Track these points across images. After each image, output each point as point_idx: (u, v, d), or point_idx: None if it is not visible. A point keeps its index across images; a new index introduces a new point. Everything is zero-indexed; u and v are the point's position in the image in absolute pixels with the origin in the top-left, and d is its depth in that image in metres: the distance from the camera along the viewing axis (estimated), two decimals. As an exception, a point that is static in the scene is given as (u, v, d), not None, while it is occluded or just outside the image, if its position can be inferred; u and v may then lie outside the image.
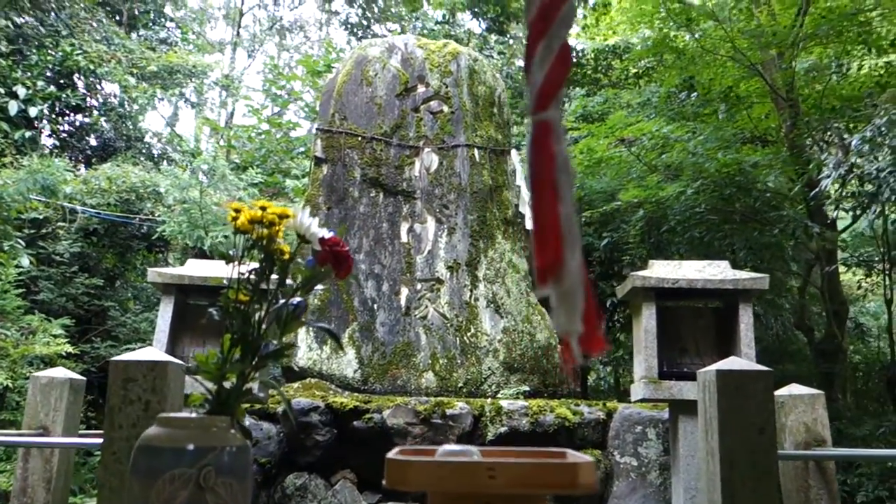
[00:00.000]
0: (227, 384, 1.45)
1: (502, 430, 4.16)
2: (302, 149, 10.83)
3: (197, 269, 3.98)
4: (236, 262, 1.48)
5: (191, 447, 1.25)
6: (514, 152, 6.21)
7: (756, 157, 7.05)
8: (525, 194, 6.04)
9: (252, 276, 1.49)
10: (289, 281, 1.52)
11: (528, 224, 5.97)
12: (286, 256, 1.56)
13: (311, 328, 4.75)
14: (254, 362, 1.46)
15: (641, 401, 3.68)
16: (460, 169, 5.68)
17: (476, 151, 5.77)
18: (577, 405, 4.36)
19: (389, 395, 4.75)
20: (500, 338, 5.32)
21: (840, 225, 7.50)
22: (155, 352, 2.91)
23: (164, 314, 3.90)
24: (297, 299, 1.54)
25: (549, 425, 4.17)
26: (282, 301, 1.52)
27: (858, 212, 6.62)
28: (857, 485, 6.32)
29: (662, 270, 3.77)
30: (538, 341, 5.43)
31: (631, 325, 8.49)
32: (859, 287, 7.59)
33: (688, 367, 3.74)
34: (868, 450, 4.44)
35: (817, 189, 6.44)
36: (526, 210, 6.00)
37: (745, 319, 3.67)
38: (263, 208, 1.49)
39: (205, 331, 3.95)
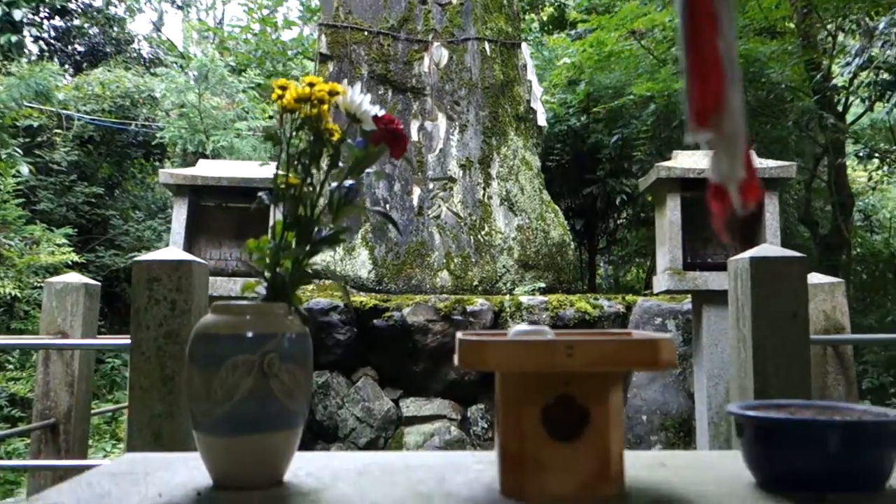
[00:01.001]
0: (280, 270, 1.38)
1: (523, 325, 4.16)
2: (299, 50, 10.51)
3: (210, 169, 3.87)
4: (284, 144, 1.39)
5: (251, 334, 1.19)
6: (524, 45, 6.00)
7: (768, 47, 6.84)
8: (537, 89, 5.86)
9: (302, 159, 1.40)
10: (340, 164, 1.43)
11: (541, 120, 5.82)
12: (336, 137, 1.46)
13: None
14: (308, 248, 1.39)
15: (665, 292, 3.66)
16: (471, 63, 5.50)
17: (486, 45, 5.57)
18: (597, 299, 4.35)
19: (405, 294, 4.73)
20: (514, 236, 5.28)
21: (848, 118, 7.36)
22: (177, 251, 2.85)
23: (179, 216, 3.82)
24: (349, 182, 1.46)
25: (569, 319, 4.17)
26: (334, 184, 1.44)
27: (872, 101, 6.48)
28: (862, 372, 6.43)
29: (687, 161, 3.69)
30: (552, 238, 5.38)
31: (639, 222, 8.45)
32: (870, 179, 7.52)
33: (712, 257, 3.71)
34: (888, 334, 4.46)
35: (832, 79, 6.28)
36: (538, 105, 5.84)
37: (771, 209, 3.61)
38: (311, 84, 1.38)
39: (220, 232, 3.89)
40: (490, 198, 5.31)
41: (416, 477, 1.22)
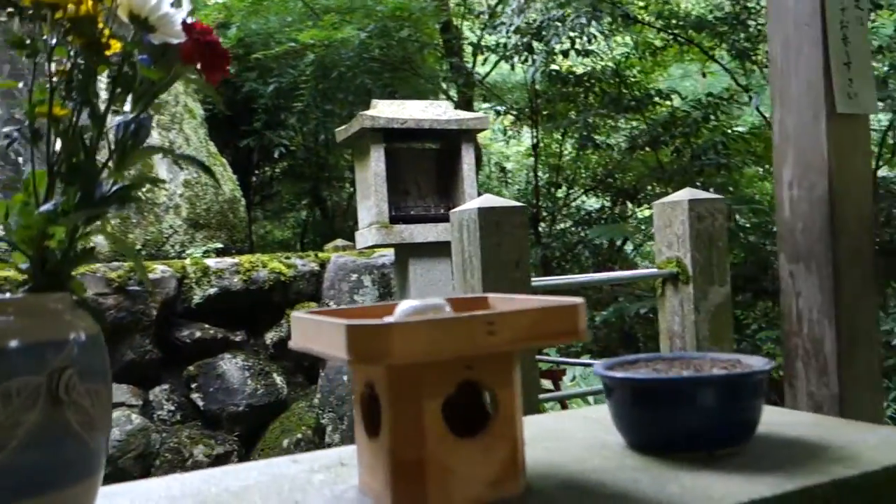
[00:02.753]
0: (52, 245, 0.94)
1: (212, 291, 3.72)
2: None
3: None
4: (46, 58, 0.94)
5: (26, 344, 0.76)
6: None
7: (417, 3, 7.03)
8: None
9: (70, 79, 0.97)
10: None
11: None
12: (114, 49, 1.02)
13: None
14: (88, 210, 0.97)
15: (372, 247, 3.53)
16: None
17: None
18: (289, 258, 4.07)
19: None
20: (181, 192, 4.71)
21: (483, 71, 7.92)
22: None
23: None
24: (142, 115, 1.05)
25: (263, 281, 3.83)
26: (118, 119, 1.02)
27: (500, 60, 7.02)
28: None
29: (388, 110, 3.56)
30: (223, 194, 4.93)
31: (294, 176, 8.22)
32: (505, 132, 8.20)
33: (414, 209, 3.66)
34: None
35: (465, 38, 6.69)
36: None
37: (468, 160, 3.66)
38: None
39: None
40: (151, 149, 4.66)
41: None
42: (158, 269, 3.64)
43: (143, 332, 3.58)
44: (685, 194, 3.13)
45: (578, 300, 1.03)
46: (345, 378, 3.95)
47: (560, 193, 7.86)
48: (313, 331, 1.06)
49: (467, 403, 1.01)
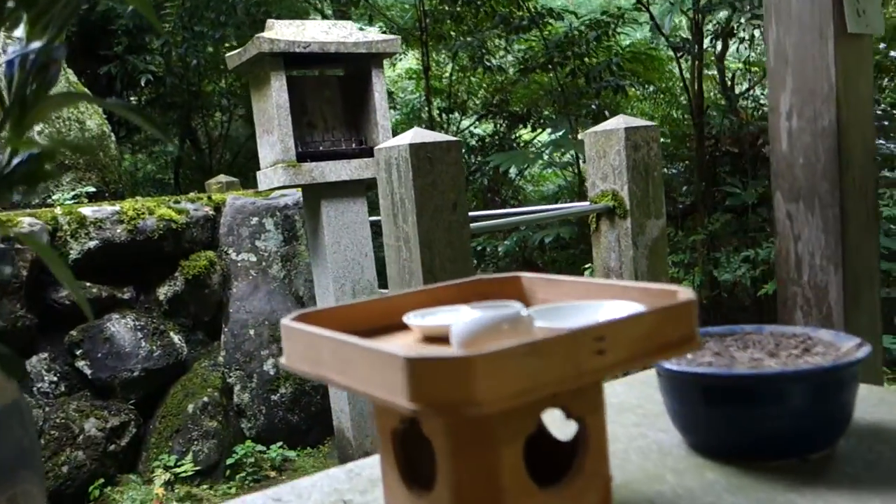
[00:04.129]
0: None
1: (91, 244, 3.24)
2: None
3: None
4: None
5: None
6: None
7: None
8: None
9: None
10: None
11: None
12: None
13: None
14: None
15: (280, 188, 3.15)
16: None
17: None
18: (178, 202, 3.61)
19: None
20: (38, 128, 4.10)
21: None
22: None
23: None
24: (52, 44, 0.69)
25: (151, 231, 3.38)
26: (12, 50, 0.68)
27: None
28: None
29: (288, 32, 3.13)
30: (90, 130, 4.34)
31: (167, 106, 7.51)
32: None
33: (322, 145, 3.29)
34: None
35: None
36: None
37: (379, 88, 3.31)
38: None
39: None
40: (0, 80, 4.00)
41: None
42: (25, 223, 3.12)
43: (11, 296, 3.09)
44: (619, 122, 2.94)
45: (689, 293, 0.78)
46: (251, 332, 3.60)
47: (453, 119, 7.58)
48: (335, 356, 0.76)
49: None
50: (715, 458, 0.91)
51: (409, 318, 0.86)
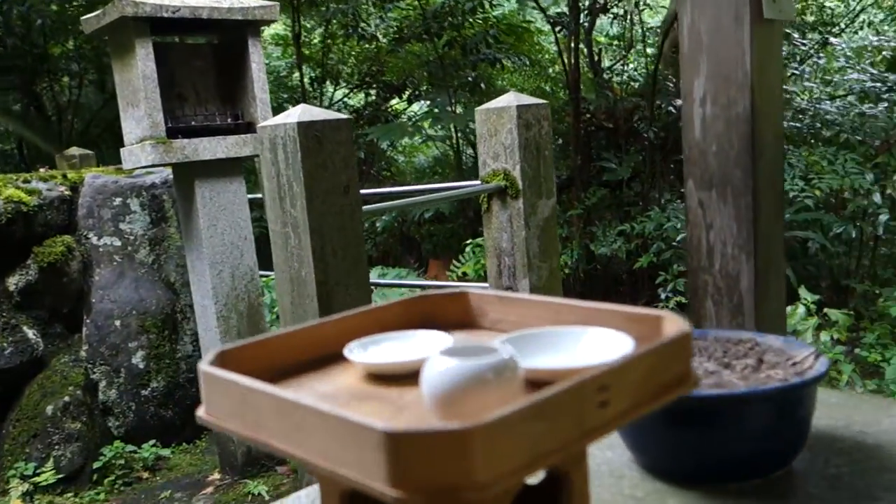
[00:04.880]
0: None
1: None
2: None
3: None
4: None
5: None
6: None
7: None
8: None
9: None
10: None
11: None
12: None
13: None
14: None
15: (149, 167, 2.87)
16: None
17: None
18: (28, 181, 3.24)
19: None
20: None
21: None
22: None
23: None
24: None
25: (1, 214, 3.01)
26: None
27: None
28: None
29: (153, -6, 2.83)
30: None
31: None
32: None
33: (195, 120, 3.03)
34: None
35: None
36: None
37: (256, 58, 3.07)
38: None
39: None
40: None
41: None
42: None
43: None
44: (511, 99, 2.86)
45: (682, 323, 0.70)
46: (117, 323, 3.31)
47: (325, 90, 7.31)
48: (284, 419, 0.62)
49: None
50: (672, 482, 0.86)
51: (351, 353, 0.74)
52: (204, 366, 0.66)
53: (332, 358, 0.77)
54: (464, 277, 5.24)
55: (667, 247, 4.65)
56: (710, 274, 1.62)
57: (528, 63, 7.07)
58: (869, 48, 6.45)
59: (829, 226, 4.12)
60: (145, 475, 3.15)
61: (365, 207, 2.60)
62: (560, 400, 0.53)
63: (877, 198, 4.02)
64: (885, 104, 4.98)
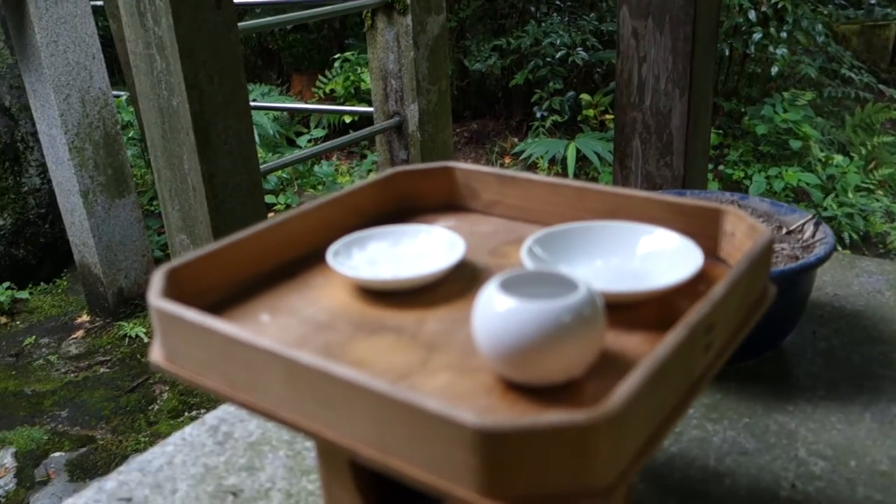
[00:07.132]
0: None
1: None
2: None
3: None
4: None
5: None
6: None
7: None
8: None
9: None
10: None
11: None
12: None
13: None
14: None
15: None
16: None
17: None
18: None
19: None
20: None
21: None
22: None
23: None
24: None
25: None
26: None
27: None
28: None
29: None
30: None
31: None
32: None
33: None
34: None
35: None
36: None
37: None
38: None
39: None
40: None
41: None
42: None
43: None
44: None
45: (760, 226, 0.59)
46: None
47: None
48: (301, 389, 0.47)
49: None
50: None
51: (342, 265, 0.58)
52: (157, 300, 0.49)
53: (303, 262, 0.61)
54: (331, 94, 4.93)
55: (543, 64, 4.53)
56: (640, 111, 1.52)
57: None
58: None
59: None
60: (3, 320, 2.88)
61: (240, 24, 2.28)
62: (676, 357, 0.41)
63: (751, 14, 4.02)
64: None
